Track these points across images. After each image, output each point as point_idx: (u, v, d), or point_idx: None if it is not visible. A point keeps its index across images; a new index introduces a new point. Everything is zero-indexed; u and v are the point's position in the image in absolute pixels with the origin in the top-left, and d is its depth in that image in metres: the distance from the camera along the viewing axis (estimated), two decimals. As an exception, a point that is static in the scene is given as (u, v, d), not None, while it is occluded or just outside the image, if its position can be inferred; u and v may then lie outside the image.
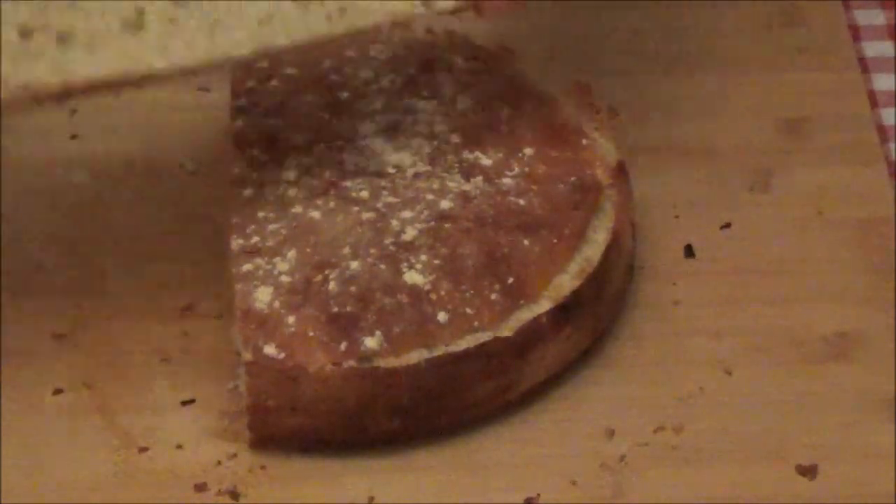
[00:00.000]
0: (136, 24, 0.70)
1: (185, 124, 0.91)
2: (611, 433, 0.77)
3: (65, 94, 0.69)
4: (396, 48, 0.88)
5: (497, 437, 0.77)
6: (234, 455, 0.76)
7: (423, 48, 0.88)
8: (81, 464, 0.76)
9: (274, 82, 0.85)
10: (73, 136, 0.90)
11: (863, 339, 0.81)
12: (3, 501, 0.74)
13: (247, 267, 0.77)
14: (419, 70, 0.86)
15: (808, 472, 0.76)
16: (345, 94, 0.84)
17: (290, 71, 0.86)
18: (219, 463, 0.76)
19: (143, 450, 0.77)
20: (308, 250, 0.77)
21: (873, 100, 0.93)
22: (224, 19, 0.71)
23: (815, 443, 0.77)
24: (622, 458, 0.76)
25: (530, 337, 0.76)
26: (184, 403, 0.78)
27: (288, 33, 0.73)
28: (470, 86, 0.85)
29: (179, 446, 0.77)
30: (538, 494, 0.75)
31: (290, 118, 0.83)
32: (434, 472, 0.76)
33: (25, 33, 0.69)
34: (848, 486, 0.75)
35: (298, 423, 0.76)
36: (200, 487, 0.75)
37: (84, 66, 0.69)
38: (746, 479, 0.75)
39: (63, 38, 0.69)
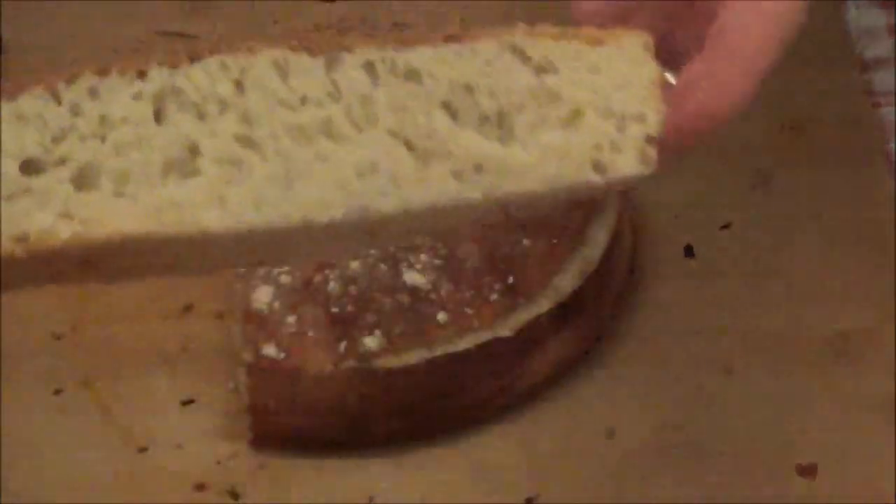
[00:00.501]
0: (185, 165, 0.50)
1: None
2: (611, 433, 0.77)
3: (76, 256, 0.50)
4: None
5: (497, 437, 0.77)
6: (234, 455, 0.76)
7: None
8: (81, 464, 0.76)
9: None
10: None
11: (863, 339, 0.81)
12: (3, 501, 0.74)
13: (247, 267, 0.77)
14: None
15: (808, 472, 0.76)
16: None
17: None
18: (219, 463, 0.76)
19: (142, 450, 0.77)
20: (308, 250, 0.77)
21: (873, 100, 0.93)
22: (309, 168, 0.50)
23: (815, 443, 0.77)
24: (622, 458, 0.76)
25: (530, 337, 0.76)
26: (184, 403, 0.78)
27: (397, 194, 0.50)
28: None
29: (179, 446, 0.77)
30: (538, 494, 0.75)
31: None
32: (434, 472, 0.76)
33: (32, 168, 0.49)
34: (848, 486, 0.75)
35: (298, 423, 0.76)
36: (200, 487, 0.75)
37: (107, 218, 0.49)
38: (746, 479, 0.75)
39: (82, 178, 0.49)
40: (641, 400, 0.79)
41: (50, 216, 0.49)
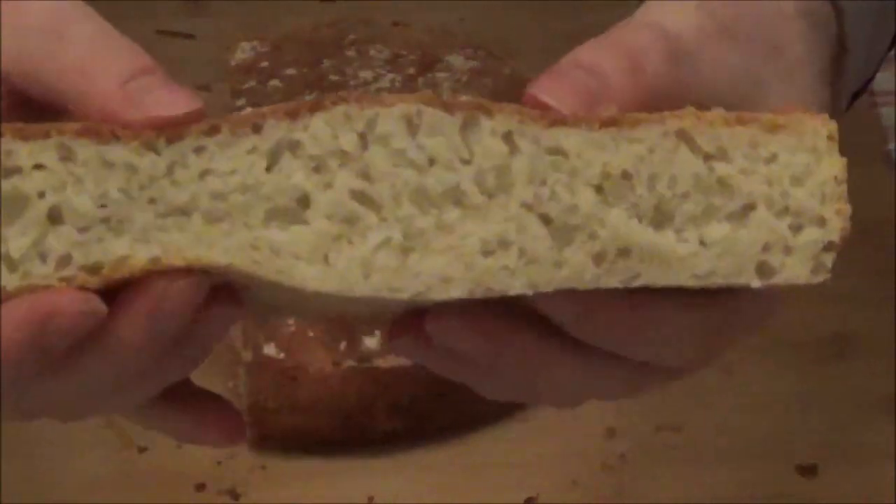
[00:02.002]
0: (292, 215, 0.45)
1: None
2: (611, 433, 0.77)
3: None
4: (396, 48, 0.88)
5: (497, 437, 0.77)
6: (234, 455, 0.76)
7: (423, 48, 0.88)
8: (81, 464, 0.76)
9: (274, 82, 0.85)
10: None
11: (863, 339, 0.81)
12: (3, 501, 0.74)
13: (247, 267, 0.77)
14: (419, 70, 0.86)
15: (808, 471, 0.76)
16: (345, 94, 0.84)
17: (290, 71, 0.86)
18: (219, 463, 0.76)
19: (142, 450, 0.77)
20: (308, 250, 0.77)
21: (873, 100, 0.93)
22: (431, 238, 0.45)
23: (815, 443, 0.77)
24: (622, 457, 0.76)
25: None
26: (184, 403, 0.78)
27: (526, 275, 0.45)
28: (470, 86, 0.85)
29: (179, 446, 0.77)
30: (538, 494, 0.75)
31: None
32: (434, 472, 0.76)
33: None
34: (848, 486, 0.75)
35: (298, 423, 0.76)
36: (200, 487, 0.75)
37: (191, 245, 0.44)
38: (746, 479, 0.75)
39: (170, 215, 0.44)
40: (641, 400, 0.79)
41: (126, 242, 0.44)
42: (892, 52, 0.97)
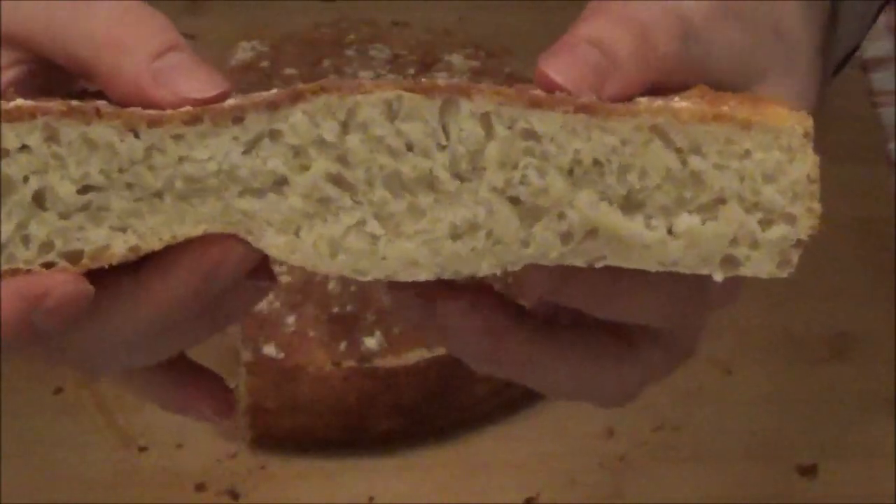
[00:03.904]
0: (267, 191, 0.46)
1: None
2: (610, 433, 0.77)
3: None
4: (396, 48, 0.88)
5: (497, 437, 0.77)
6: (234, 455, 0.76)
7: (423, 48, 0.88)
8: (81, 464, 0.76)
9: (274, 82, 0.85)
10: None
11: (863, 339, 0.81)
12: (3, 501, 0.74)
13: (247, 267, 0.77)
14: (419, 70, 0.86)
15: (808, 471, 0.76)
16: (345, 94, 0.85)
17: (290, 71, 0.86)
18: (219, 463, 0.76)
19: (142, 449, 0.77)
20: (308, 250, 0.77)
21: (873, 100, 0.93)
22: (402, 222, 0.46)
23: (815, 443, 0.77)
24: (622, 457, 0.76)
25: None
26: (184, 403, 0.78)
27: (493, 256, 0.46)
28: (470, 86, 0.85)
29: (179, 446, 0.77)
30: (538, 494, 0.75)
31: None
32: (434, 472, 0.76)
33: (90, 189, 0.45)
34: (848, 486, 0.75)
35: (298, 423, 0.76)
36: (200, 487, 0.75)
37: (166, 226, 0.45)
38: (746, 479, 0.75)
39: (144, 197, 0.46)
40: (641, 400, 0.78)
41: (104, 231, 0.45)
42: (893, 56, 0.97)
